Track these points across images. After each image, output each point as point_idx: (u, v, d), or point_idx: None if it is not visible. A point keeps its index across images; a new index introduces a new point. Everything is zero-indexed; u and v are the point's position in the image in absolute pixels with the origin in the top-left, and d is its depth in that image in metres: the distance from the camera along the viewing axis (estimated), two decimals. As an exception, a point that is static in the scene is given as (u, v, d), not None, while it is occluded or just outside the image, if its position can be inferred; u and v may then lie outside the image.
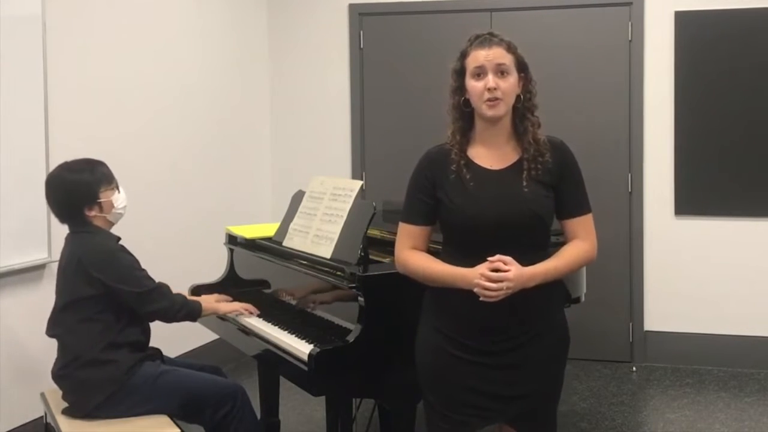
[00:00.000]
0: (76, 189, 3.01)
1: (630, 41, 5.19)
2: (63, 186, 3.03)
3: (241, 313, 3.29)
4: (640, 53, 5.17)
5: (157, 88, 4.61)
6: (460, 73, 2.36)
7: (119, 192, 3.11)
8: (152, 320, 3.13)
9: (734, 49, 5.00)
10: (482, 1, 5.36)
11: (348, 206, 3.09)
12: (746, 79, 5.01)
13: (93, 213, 3.03)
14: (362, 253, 2.92)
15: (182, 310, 3.13)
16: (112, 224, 3.12)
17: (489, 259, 2.21)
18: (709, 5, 5.02)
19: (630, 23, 5.18)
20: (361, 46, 5.61)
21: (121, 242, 3.09)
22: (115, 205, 3.08)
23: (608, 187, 5.18)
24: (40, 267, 3.75)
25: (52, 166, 3.69)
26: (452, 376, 2.35)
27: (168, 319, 3.12)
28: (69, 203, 3.03)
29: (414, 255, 2.39)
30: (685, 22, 5.07)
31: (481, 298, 2.21)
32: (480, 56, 2.31)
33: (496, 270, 2.21)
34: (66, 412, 3.03)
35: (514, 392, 2.35)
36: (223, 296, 3.46)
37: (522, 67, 2.36)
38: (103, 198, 3.04)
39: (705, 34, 5.05)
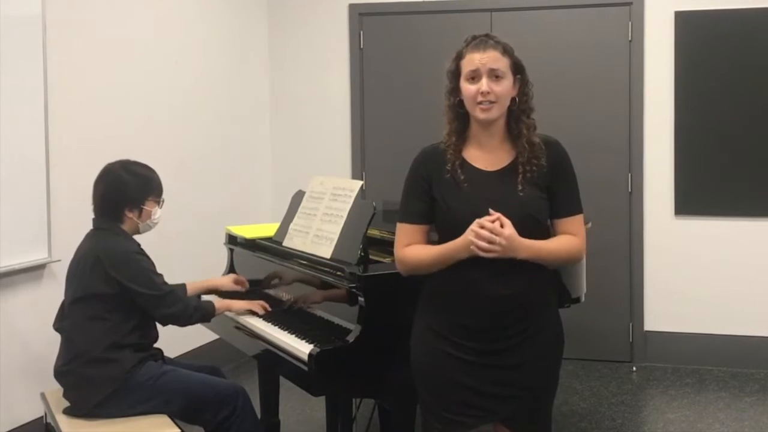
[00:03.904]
0: (128, 188, 3.07)
1: (630, 41, 5.19)
2: (116, 182, 3.08)
3: (254, 312, 3.28)
4: (640, 53, 5.17)
5: (157, 89, 4.60)
6: (455, 74, 2.36)
7: (160, 208, 3.17)
8: (165, 324, 3.13)
9: (734, 49, 5.00)
10: (482, 1, 5.36)
11: (348, 206, 3.09)
12: (746, 79, 5.01)
13: (132, 216, 3.09)
14: (362, 253, 2.92)
15: (196, 313, 3.15)
16: (137, 233, 3.16)
17: (491, 211, 2.22)
18: (709, 5, 5.01)
19: (630, 23, 5.18)
20: (361, 46, 5.61)
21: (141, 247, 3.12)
22: (152, 217, 3.15)
23: (608, 187, 5.19)
24: (40, 267, 3.75)
25: (52, 166, 3.73)
26: (447, 376, 2.35)
27: (182, 323, 3.14)
28: (115, 199, 3.08)
29: (411, 249, 2.39)
30: (685, 22, 5.07)
31: (471, 246, 2.20)
32: (475, 59, 2.31)
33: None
34: (66, 411, 3.03)
35: (509, 392, 2.35)
36: (240, 277, 3.50)
37: (518, 69, 2.36)
38: (146, 206, 3.11)
39: (705, 34, 5.05)
